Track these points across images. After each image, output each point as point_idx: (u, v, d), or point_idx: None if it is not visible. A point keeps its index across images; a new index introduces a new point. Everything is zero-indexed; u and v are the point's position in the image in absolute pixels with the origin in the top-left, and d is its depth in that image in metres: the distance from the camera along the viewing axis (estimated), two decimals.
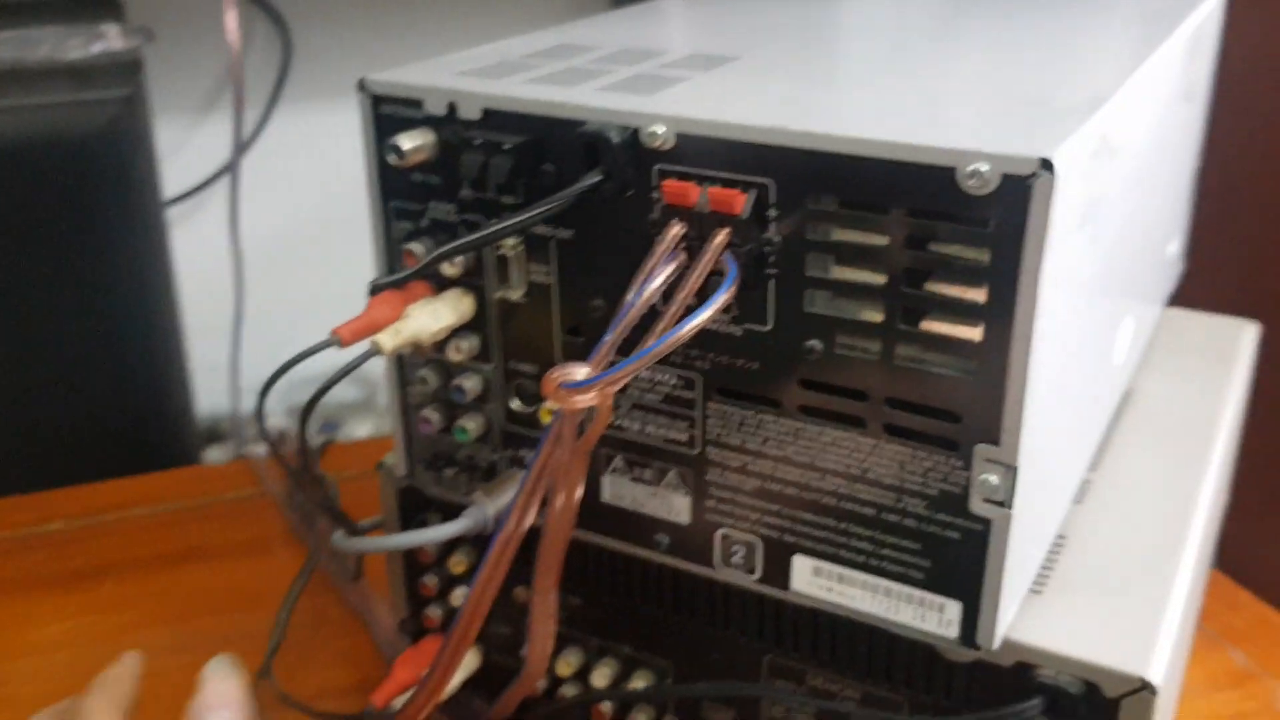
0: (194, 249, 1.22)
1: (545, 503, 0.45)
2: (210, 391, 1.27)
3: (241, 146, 1.27)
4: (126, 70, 0.91)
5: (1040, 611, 0.47)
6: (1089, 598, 0.48)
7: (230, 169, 1.25)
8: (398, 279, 0.47)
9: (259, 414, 0.46)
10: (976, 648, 0.44)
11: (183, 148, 1.38)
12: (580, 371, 0.40)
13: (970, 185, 0.37)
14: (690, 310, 0.42)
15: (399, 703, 0.54)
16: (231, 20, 1.16)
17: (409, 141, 0.45)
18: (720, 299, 0.39)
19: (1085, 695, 0.45)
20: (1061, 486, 0.50)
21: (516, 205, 0.46)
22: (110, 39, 0.90)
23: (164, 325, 0.96)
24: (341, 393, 1.78)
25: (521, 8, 1.54)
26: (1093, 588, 0.48)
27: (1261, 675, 0.68)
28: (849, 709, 0.50)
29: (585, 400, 0.40)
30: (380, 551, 0.57)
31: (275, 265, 1.49)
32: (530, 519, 0.45)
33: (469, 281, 0.48)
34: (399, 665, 0.57)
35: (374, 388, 1.79)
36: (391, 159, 0.45)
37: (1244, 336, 0.74)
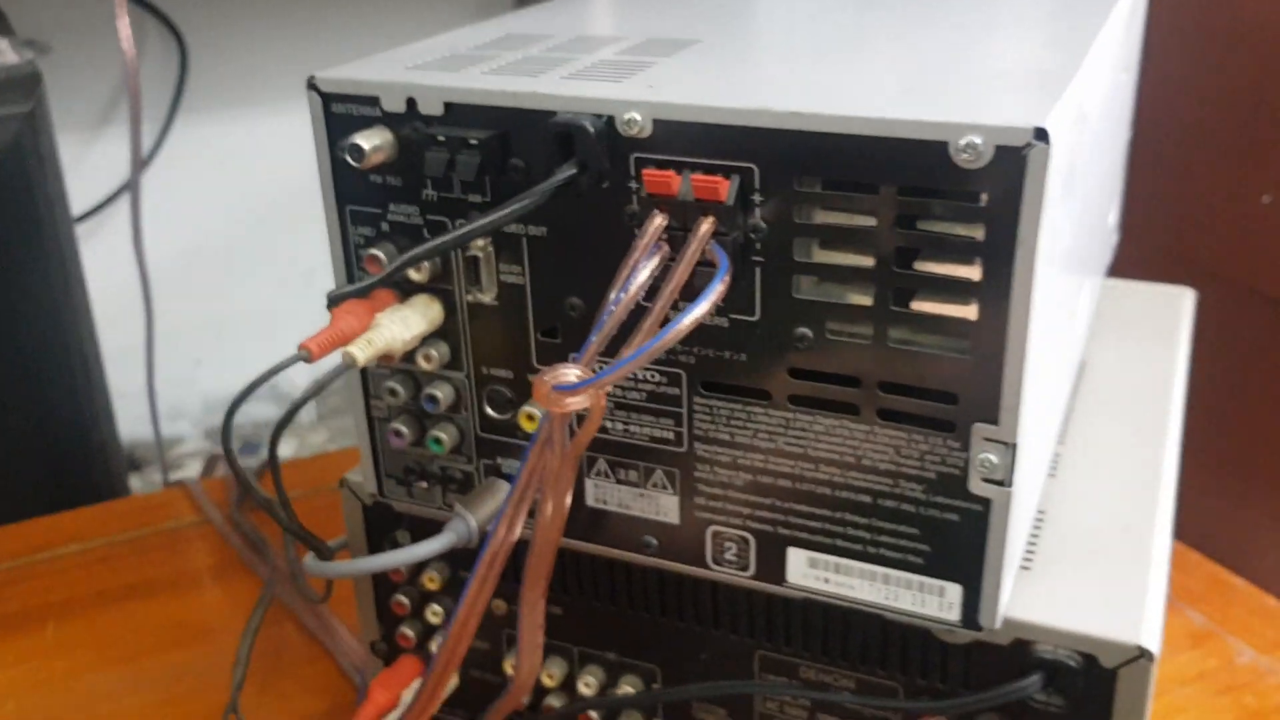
0: (99, 269, 1.18)
1: (532, 511, 0.44)
2: (125, 418, 1.23)
3: (141, 161, 1.22)
4: (25, 85, 0.87)
5: (1031, 587, 0.46)
6: (1076, 571, 0.48)
7: (131, 185, 1.20)
8: (362, 287, 0.45)
9: (225, 437, 0.44)
10: (979, 629, 0.43)
11: (80, 164, 1.32)
12: (572, 373, 0.39)
13: (963, 159, 0.36)
14: (676, 305, 0.41)
15: None
16: (124, 29, 1.12)
17: (368, 141, 0.43)
18: (715, 290, 0.38)
19: (1084, 667, 0.44)
20: (1043, 460, 0.50)
21: (484, 203, 0.44)
22: (3, 53, 0.85)
23: (82, 350, 0.92)
24: (260, 411, 1.73)
25: (422, 11, 1.51)
26: (1078, 560, 0.48)
27: (1220, 634, 0.69)
28: (844, 698, 0.49)
29: (578, 403, 0.38)
30: (362, 574, 0.55)
31: (183, 283, 1.44)
32: (519, 529, 0.44)
33: (436, 286, 0.46)
34: (376, 688, 0.55)
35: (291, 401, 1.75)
36: (352, 161, 0.43)
37: (1183, 304, 0.75)
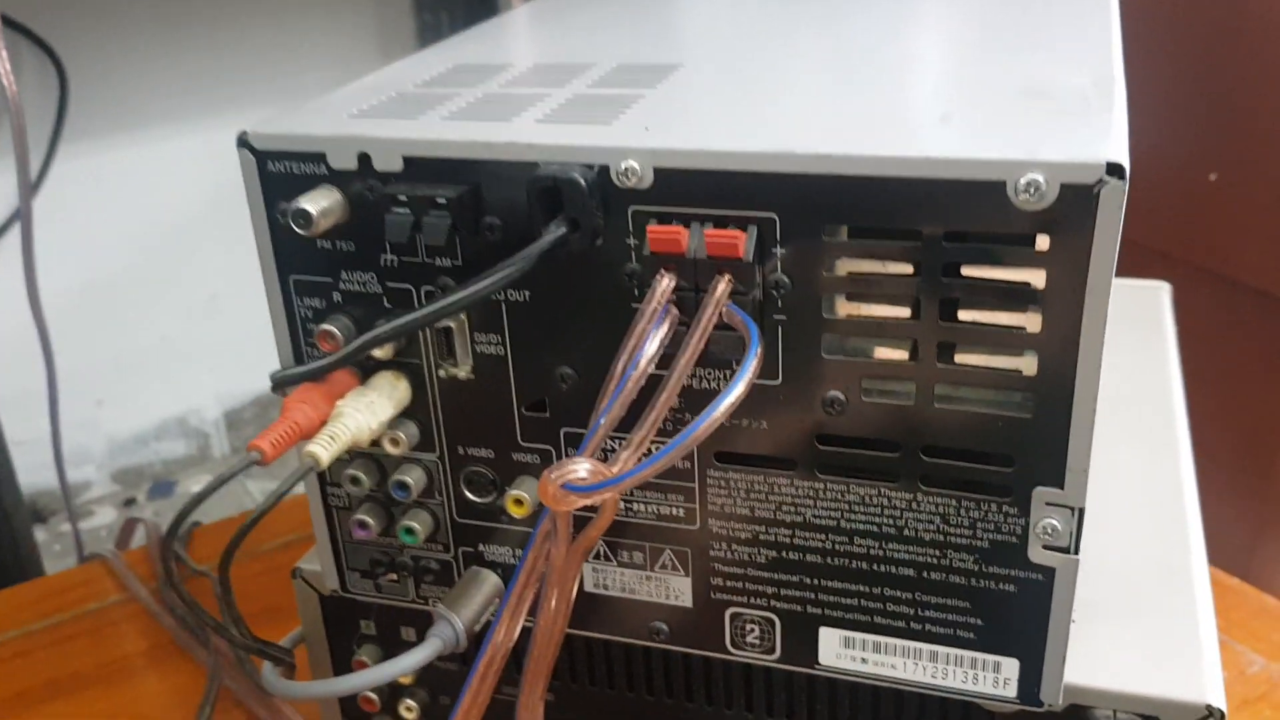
0: None
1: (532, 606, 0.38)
2: (23, 467, 1.14)
3: (30, 194, 1.13)
4: None
5: (1081, 644, 0.42)
6: (1123, 620, 0.44)
7: (22, 220, 1.11)
8: (315, 369, 0.39)
9: (166, 558, 0.37)
10: (1039, 706, 0.39)
11: None
12: (583, 469, 0.33)
13: (1023, 200, 0.32)
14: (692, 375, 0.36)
15: None
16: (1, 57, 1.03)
17: (315, 205, 0.37)
18: (750, 368, 0.33)
19: None
20: None
21: (454, 267, 0.38)
22: None
23: None
24: (170, 448, 1.64)
25: (314, 32, 1.43)
26: (1123, 608, 0.45)
27: (1227, 642, 0.66)
28: None
29: (589, 502, 0.33)
30: (339, 695, 0.49)
31: (78, 320, 1.35)
32: (518, 630, 0.39)
33: (401, 361, 0.41)
34: None
35: (205, 439, 1.66)
36: (297, 229, 0.37)
37: (1161, 299, 0.72)
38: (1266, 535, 0.95)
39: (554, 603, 0.38)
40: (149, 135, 1.32)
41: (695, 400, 0.38)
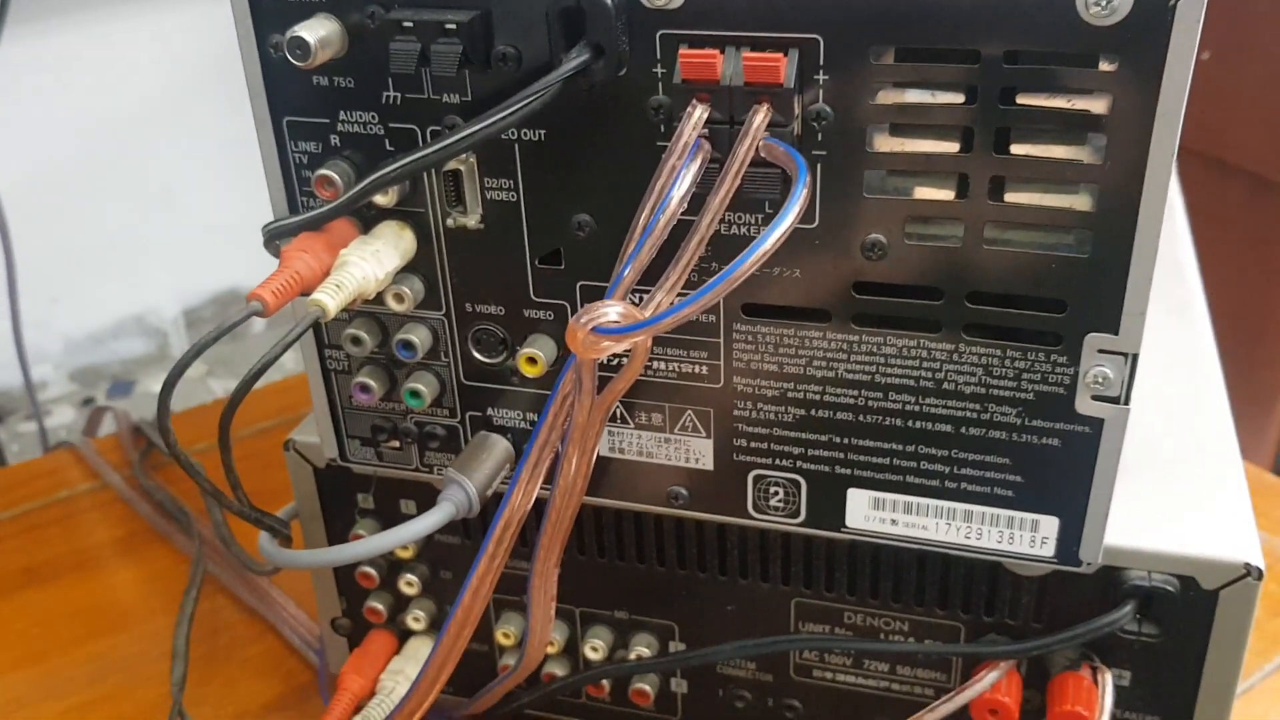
0: None
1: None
2: None
3: None
4: None
5: (1112, 505, 0.41)
6: (1156, 484, 0.43)
7: None
8: (314, 216, 0.36)
9: (163, 428, 0.35)
10: (1078, 565, 0.38)
11: None
12: (614, 312, 0.31)
13: (1094, 13, 0.29)
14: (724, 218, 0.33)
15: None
16: None
17: (312, 33, 0.34)
18: (799, 200, 0.31)
19: (1180, 592, 0.40)
20: None
21: (463, 104, 0.36)
22: None
23: None
24: (128, 346, 1.59)
25: None
26: (1154, 472, 0.43)
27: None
28: (906, 647, 0.44)
29: (621, 347, 0.31)
30: (343, 563, 0.46)
31: (31, 216, 1.30)
32: (535, 492, 0.37)
33: (404, 209, 0.38)
34: (349, 675, 0.48)
35: (163, 337, 1.61)
36: (294, 60, 0.34)
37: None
38: (1253, 411, 0.95)
39: (574, 463, 0.36)
40: (98, 18, 1.26)
41: (726, 248, 0.35)
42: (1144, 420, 0.46)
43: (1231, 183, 0.95)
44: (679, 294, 0.33)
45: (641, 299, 0.33)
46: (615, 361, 0.36)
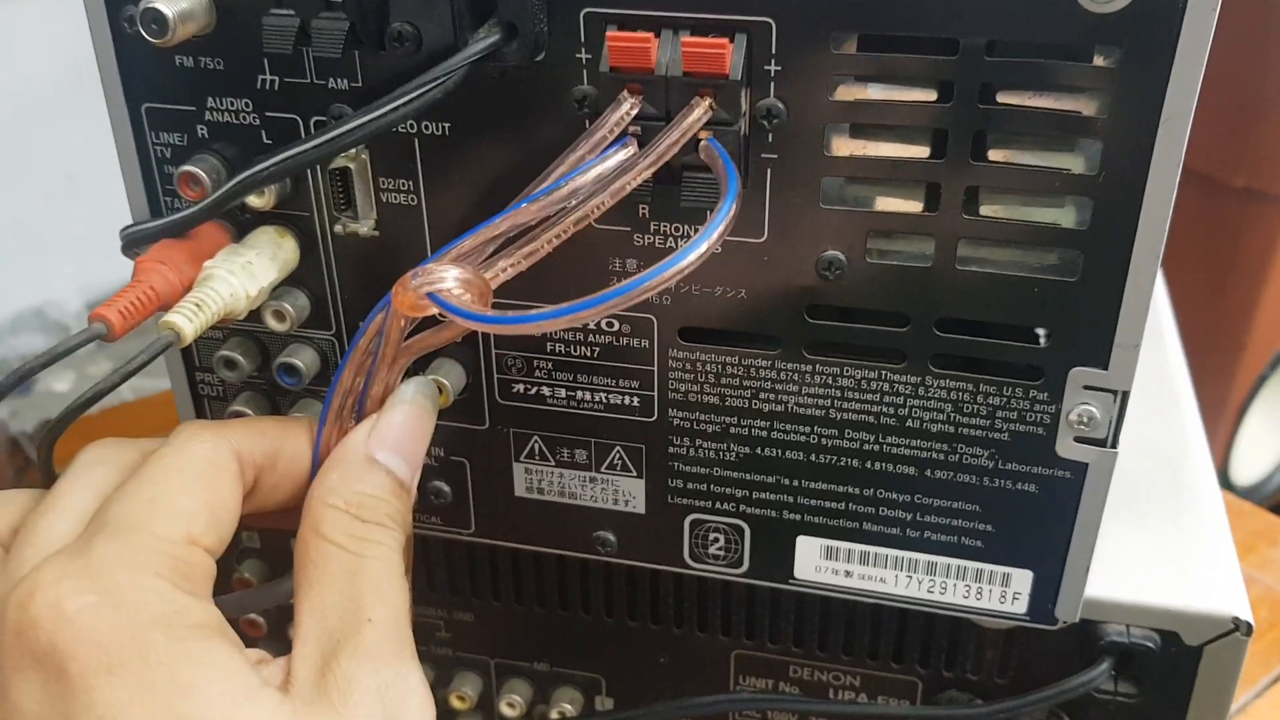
0: None
1: None
2: None
3: None
4: None
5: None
6: (1134, 528, 0.39)
7: None
8: (174, 222, 0.31)
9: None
10: (1053, 623, 0.34)
11: None
12: (451, 279, 0.26)
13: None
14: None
15: None
16: None
17: (170, 5, 0.29)
18: (726, 217, 0.26)
19: (1161, 648, 0.36)
20: None
21: (354, 90, 0.30)
22: None
23: None
24: (27, 342, 1.50)
25: None
26: (1131, 515, 0.39)
27: None
28: (851, 708, 0.39)
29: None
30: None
31: None
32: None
33: (285, 213, 0.32)
34: None
35: (65, 332, 1.53)
36: (150, 36, 0.28)
37: None
38: (1205, 417, 0.92)
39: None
40: None
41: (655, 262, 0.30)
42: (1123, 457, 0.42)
43: (1184, 185, 0.92)
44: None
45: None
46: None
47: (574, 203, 0.28)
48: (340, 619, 0.26)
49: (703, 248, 0.26)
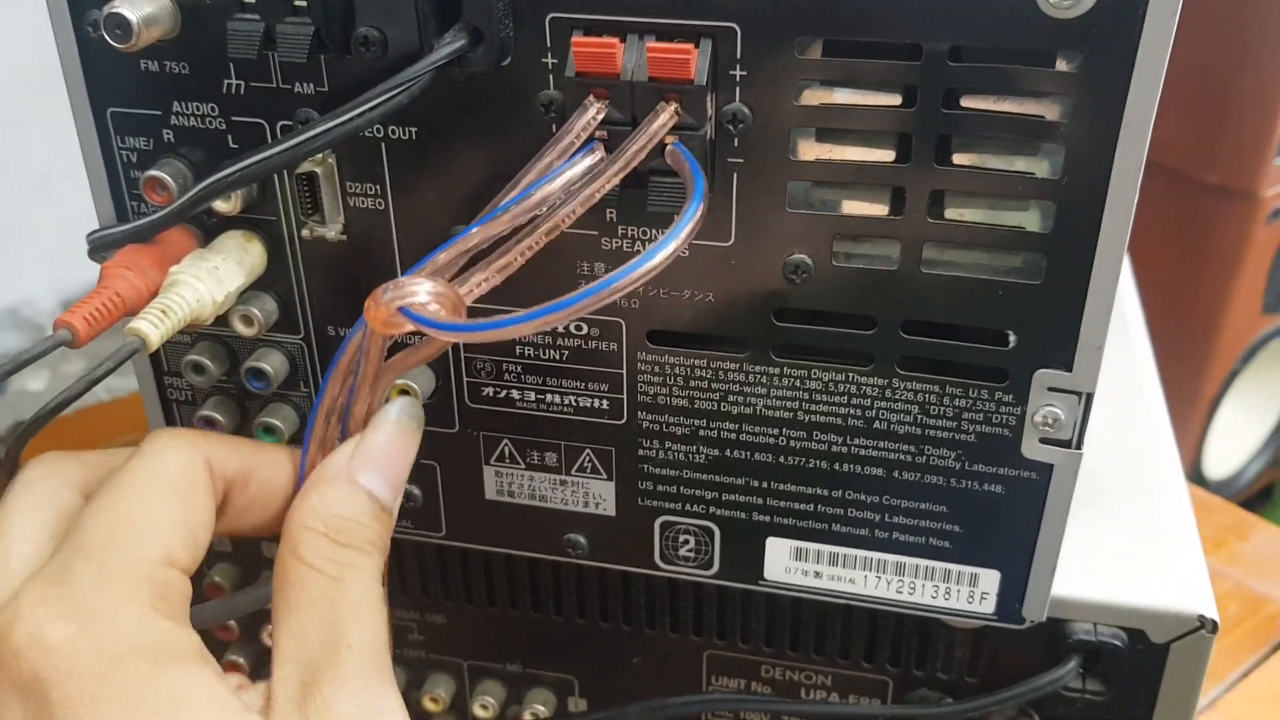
0: None
1: None
2: None
3: None
4: None
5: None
6: (1100, 527, 0.39)
7: None
8: (140, 227, 0.31)
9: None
10: (1020, 623, 0.34)
11: None
12: (424, 293, 0.26)
13: (1054, 3, 0.25)
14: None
15: None
16: None
17: (135, 10, 0.28)
18: (692, 218, 0.26)
19: (1128, 646, 0.36)
20: None
21: (319, 94, 0.30)
22: None
23: None
24: (1, 341, 1.49)
25: None
26: (1098, 513, 0.40)
27: None
28: (822, 708, 0.40)
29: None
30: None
31: None
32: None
33: (252, 217, 0.32)
34: None
35: (39, 331, 1.52)
36: (114, 41, 0.28)
37: None
38: (1175, 413, 0.93)
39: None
40: None
41: (618, 265, 0.31)
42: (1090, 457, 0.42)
43: (1154, 180, 0.93)
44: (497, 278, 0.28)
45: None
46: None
47: (544, 210, 0.28)
48: (319, 644, 0.26)
49: (670, 248, 0.26)
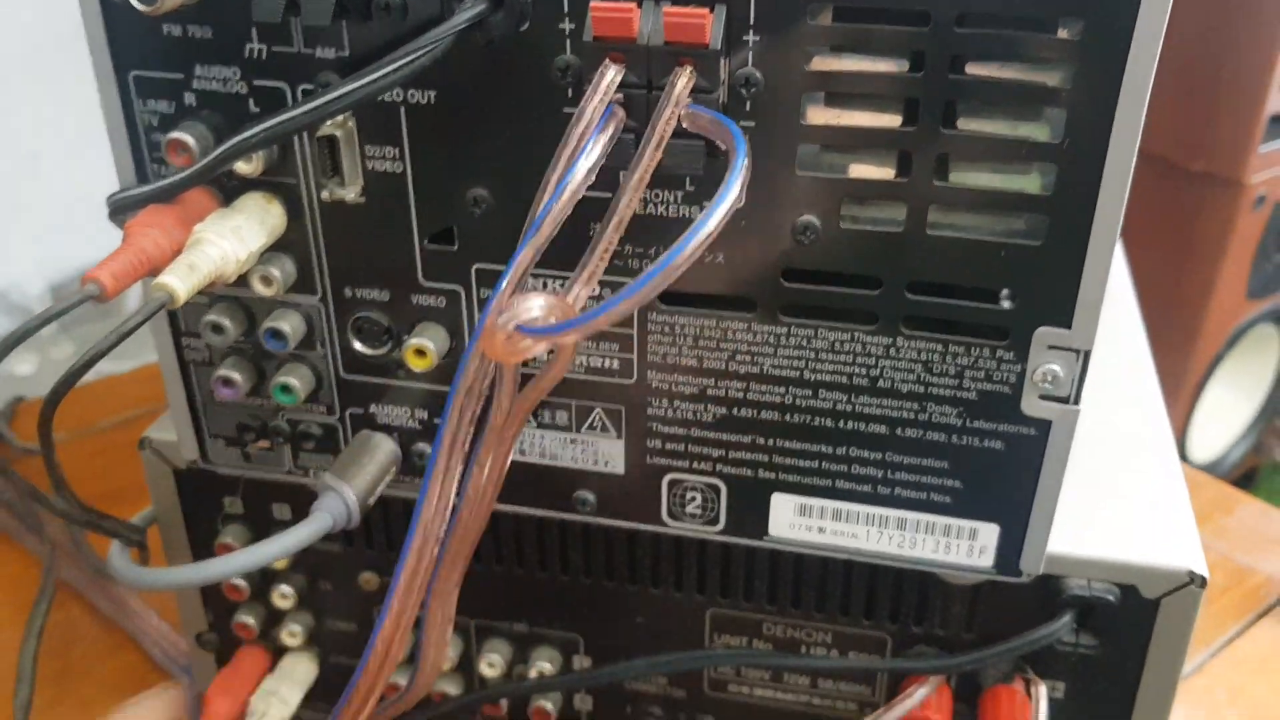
0: None
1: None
2: None
3: None
4: None
5: None
6: (1094, 485, 0.40)
7: None
8: (164, 187, 0.31)
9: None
10: (1018, 575, 0.35)
11: None
12: (537, 307, 0.27)
13: None
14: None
15: None
16: None
17: None
18: (739, 175, 0.27)
19: (1120, 601, 0.37)
20: None
21: (341, 59, 0.31)
22: None
23: None
24: None
25: None
26: (1090, 477, 0.41)
27: None
28: (822, 662, 0.41)
29: (544, 348, 0.27)
30: (205, 583, 0.41)
31: None
32: (449, 505, 0.32)
33: (272, 179, 0.33)
34: (216, 696, 0.43)
35: (28, 314, 1.51)
36: (139, 4, 0.29)
37: None
38: (1164, 393, 0.94)
39: (487, 469, 0.32)
40: None
41: (642, 230, 0.31)
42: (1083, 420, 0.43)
43: (1140, 167, 0.94)
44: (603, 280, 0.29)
45: (545, 286, 0.29)
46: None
47: (591, 180, 0.28)
48: None
49: (730, 199, 0.27)
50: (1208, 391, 1.06)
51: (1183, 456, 1.04)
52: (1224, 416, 1.12)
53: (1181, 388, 1.02)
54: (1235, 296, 1.00)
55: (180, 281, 0.29)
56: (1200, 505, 0.62)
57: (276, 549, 0.33)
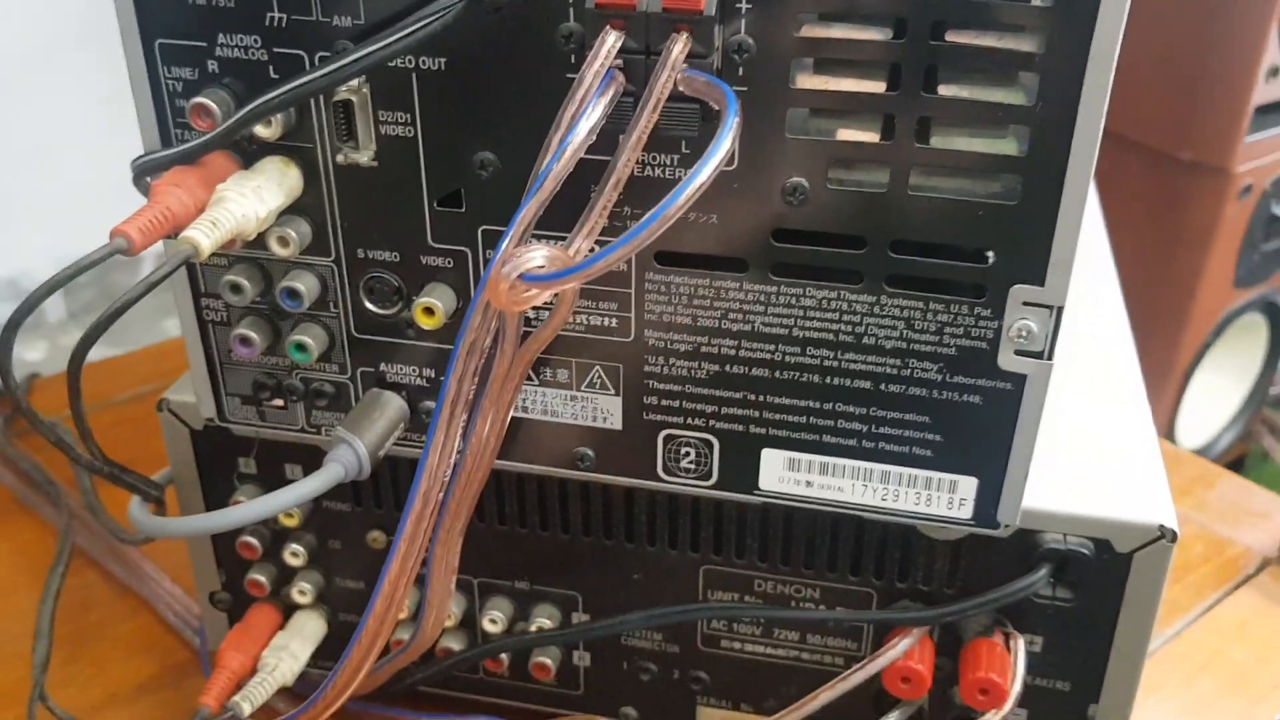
0: None
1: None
2: None
3: None
4: None
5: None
6: (1071, 448, 0.42)
7: None
8: (188, 149, 0.33)
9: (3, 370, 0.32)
10: (996, 527, 0.37)
11: None
12: (540, 256, 0.28)
13: None
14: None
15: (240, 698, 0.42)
16: None
17: None
18: (730, 132, 0.29)
19: (1095, 555, 0.39)
20: None
21: (357, 28, 0.33)
22: None
23: None
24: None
25: None
26: (1071, 436, 0.42)
27: None
28: (810, 615, 0.42)
29: (547, 295, 0.28)
30: (219, 530, 0.43)
31: None
32: (452, 455, 0.34)
33: (289, 143, 0.35)
34: (227, 652, 0.45)
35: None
36: None
37: None
38: (1151, 380, 0.96)
39: (490, 419, 0.33)
40: None
41: (640, 191, 0.33)
42: (1058, 385, 0.45)
43: (1130, 157, 0.96)
44: (598, 240, 0.31)
45: (548, 244, 0.31)
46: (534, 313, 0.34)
47: (592, 139, 0.30)
48: None
49: (720, 154, 0.29)
50: (1195, 379, 1.08)
51: (1171, 443, 1.06)
52: (1212, 404, 1.13)
53: (1169, 375, 1.04)
54: (1222, 285, 1.02)
55: (204, 236, 0.31)
56: (1183, 481, 0.64)
57: (291, 497, 0.35)
